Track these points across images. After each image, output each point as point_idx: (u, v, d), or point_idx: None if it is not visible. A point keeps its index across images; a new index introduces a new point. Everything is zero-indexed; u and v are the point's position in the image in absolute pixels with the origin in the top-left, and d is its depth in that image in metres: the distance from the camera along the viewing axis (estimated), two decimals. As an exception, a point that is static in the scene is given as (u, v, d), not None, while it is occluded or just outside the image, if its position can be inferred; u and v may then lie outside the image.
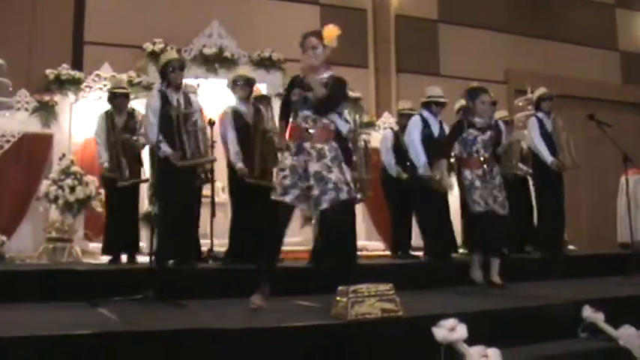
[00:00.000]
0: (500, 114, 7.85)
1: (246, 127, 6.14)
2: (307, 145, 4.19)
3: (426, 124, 6.75)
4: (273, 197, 4.19)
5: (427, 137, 6.67)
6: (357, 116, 7.28)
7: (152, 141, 5.49)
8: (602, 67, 13.70)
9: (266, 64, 9.94)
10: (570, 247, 9.45)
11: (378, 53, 11.75)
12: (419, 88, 6.84)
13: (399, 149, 7.19)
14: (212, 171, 6.33)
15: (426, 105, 6.92)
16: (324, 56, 4.33)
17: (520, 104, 10.54)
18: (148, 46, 9.26)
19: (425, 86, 7.15)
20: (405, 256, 7.23)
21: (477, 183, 5.45)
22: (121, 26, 9.78)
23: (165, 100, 5.47)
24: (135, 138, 6.44)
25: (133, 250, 6.49)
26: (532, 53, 12.82)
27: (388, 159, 7.39)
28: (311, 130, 4.22)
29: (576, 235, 10.36)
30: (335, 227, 4.24)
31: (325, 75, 4.33)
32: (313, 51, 4.30)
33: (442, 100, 6.89)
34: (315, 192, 4.11)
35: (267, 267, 4.28)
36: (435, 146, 6.27)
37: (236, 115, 6.19)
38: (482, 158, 5.53)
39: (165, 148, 5.37)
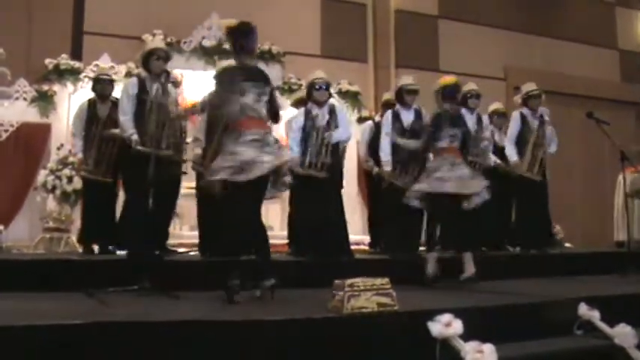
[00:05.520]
0: (495, 106, 7.87)
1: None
2: None
3: (397, 118, 6.59)
4: None
5: (399, 131, 6.52)
6: None
7: (121, 121, 5.46)
8: (601, 65, 13.69)
9: (265, 57, 9.92)
10: (566, 244, 9.49)
11: (378, 48, 11.71)
12: (418, 84, 6.78)
13: (377, 143, 6.82)
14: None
15: (398, 96, 6.74)
16: None
17: (519, 101, 10.53)
18: (148, 38, 9.22)
19: (424, 81, 7.06)
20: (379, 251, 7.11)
21: None
22: (120, 17, 9.76)
23: (142, 87, 5.48)
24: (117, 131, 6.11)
25: (108, 241, 6.24)
26: (531, 50, 12.82)
27: (362, 152, 7.36)
28: None
29: (572, 233, 10.38)
30: None
31: None
32: None
33: (412, 87, 6.69)
34: None
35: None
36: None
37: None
38: None
39: (130, 130, 5.34)
